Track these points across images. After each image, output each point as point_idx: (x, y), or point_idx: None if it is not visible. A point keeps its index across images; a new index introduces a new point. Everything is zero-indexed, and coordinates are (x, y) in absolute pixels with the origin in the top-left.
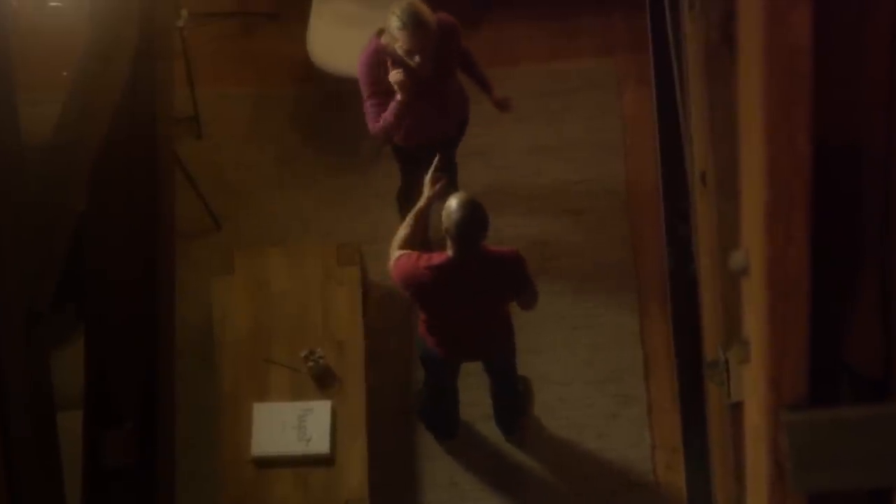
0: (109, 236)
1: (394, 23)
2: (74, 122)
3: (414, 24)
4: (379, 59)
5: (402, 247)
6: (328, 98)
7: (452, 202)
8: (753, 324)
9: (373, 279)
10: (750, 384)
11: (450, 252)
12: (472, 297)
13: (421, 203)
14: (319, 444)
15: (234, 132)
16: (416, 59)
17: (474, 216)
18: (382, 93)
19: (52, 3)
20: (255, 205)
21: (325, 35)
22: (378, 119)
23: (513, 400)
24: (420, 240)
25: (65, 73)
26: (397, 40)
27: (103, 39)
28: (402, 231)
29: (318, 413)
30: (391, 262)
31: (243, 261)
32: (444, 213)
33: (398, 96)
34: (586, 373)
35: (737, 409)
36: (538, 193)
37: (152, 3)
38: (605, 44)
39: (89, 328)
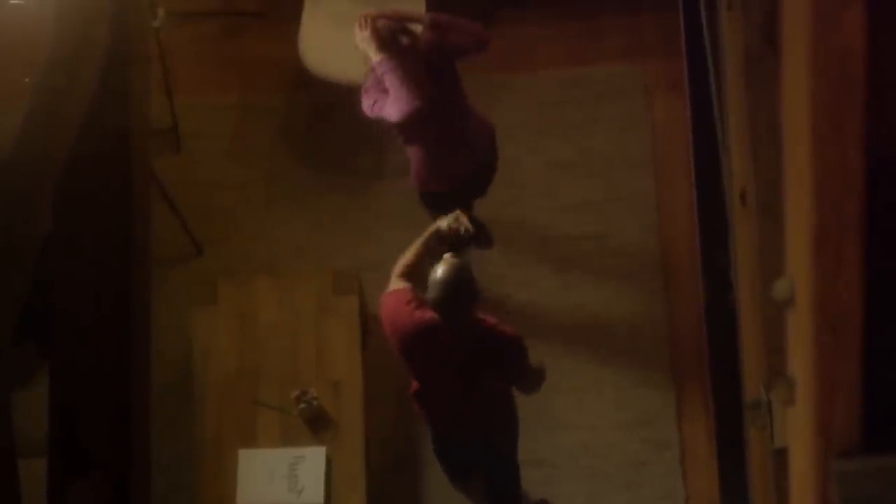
0: (77, 263)
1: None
2: (37, 135)
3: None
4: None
5: (402, 274)
6: (322, 108)
7: (438, 270)
8: (800, 361)
9: (373, 311)
10: (796, 428)
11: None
12: (458, 368)
13: (432, 228)
14: (312, 494)
15: (217, 146)
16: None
17: (457, 291)
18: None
19: (14, 1)
20: (240, 227)
21: (318, 37)
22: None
23: None
24: (422, 270)
25: (27, 80)
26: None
27: (71, 42)
28: (406, 257)
29: (312, 460)
30: (385, 295)
31: (228, 290)
32: (429, 281)
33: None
34: (612, 416)
35: (781, 456)
36: (557, 215)
37: (125, 1)
38: (632, 46)
39: (55, 366)
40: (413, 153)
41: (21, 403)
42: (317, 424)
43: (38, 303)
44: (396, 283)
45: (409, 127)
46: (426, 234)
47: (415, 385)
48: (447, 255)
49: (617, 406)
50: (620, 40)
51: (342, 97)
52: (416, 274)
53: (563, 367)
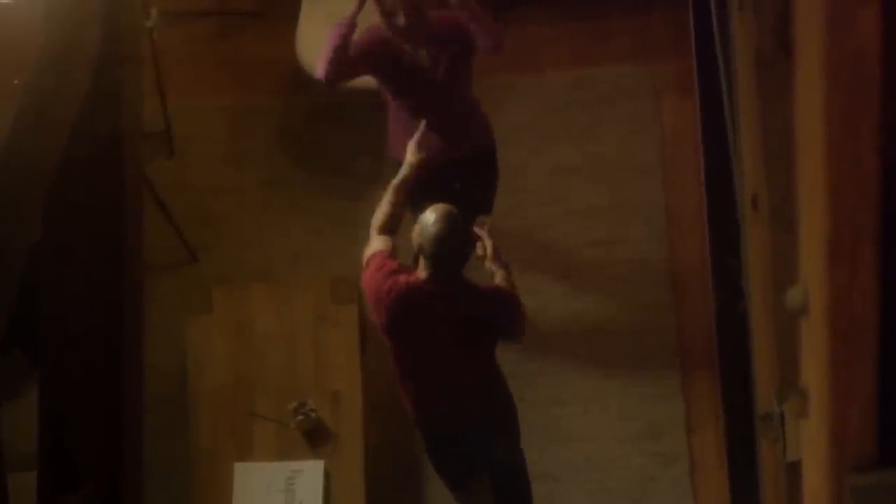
0: (67, 269)
1: None
2: (27, 138)
3: None
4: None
5: (381, 230)
6: (320, 110)
7: (428, 214)
8: (813, 371)
9: (372, 316)
10: (809, 441)
11: (423, 274)
12: (451, 336)
13: (401, 174)
14: None
15: (212, 149)
16: (401, 20)
17: (454, 231)
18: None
19: (3, 1)
20: (235, 233)
21: (316, 37)
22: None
23: None
24: (402, 220)
25: (16, 82)
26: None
27: (61, 43)
28: (381, 210)
29: (310, 474)
30: (365, 259)
31: (223, 298)
32: (417, 227)
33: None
34: (618, 428)
35: (794, 469)
36: (562, 220)
37: (117, 0)
38: (641, 47)
39: (44, 375)
40: (390, 113)
41: (10, 415)
42: (315, 437)
43: (27, 310)
44: (377, 242)
45: (390, 90)
46: (395, 181)
47: (399, 370)
48: (437, 205)
49: (623, 418)
50: (628, 41)
51: (341, 99)
52: (396, 225)
53: (566, 377)
